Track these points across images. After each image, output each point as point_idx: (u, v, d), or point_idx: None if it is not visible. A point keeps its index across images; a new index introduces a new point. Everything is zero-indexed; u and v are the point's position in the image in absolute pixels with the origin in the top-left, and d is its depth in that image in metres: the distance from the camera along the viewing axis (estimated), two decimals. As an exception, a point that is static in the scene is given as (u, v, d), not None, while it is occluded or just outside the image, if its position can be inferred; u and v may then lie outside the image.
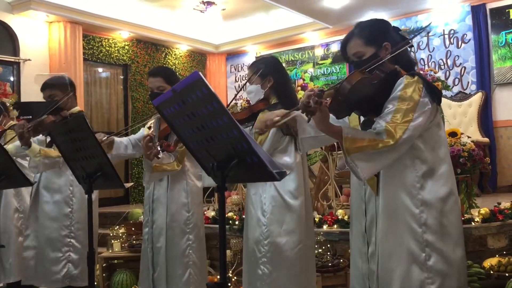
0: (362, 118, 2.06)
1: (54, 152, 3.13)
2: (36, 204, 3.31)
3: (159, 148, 2.64)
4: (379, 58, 1.89)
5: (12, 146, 3.51)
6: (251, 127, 2.69)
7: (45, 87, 3.30)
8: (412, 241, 1.84)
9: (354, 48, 2.00)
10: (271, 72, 2.69)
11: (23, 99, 6.33)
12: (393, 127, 1.76)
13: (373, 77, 1.86)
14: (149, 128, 2.99)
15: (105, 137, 2.84)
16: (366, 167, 1.77)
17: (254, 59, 3.40)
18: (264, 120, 2.16)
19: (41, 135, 3.28)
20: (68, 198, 3.25)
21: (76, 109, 3.38)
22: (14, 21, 6.51)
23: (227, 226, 4.26)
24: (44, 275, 3.22)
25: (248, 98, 2.84)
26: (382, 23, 2.04)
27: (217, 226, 1.48)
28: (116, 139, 3.04)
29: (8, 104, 4.42)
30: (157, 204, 2.93)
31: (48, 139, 3.31)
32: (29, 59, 6.59)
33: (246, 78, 2.77)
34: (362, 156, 1.76)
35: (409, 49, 2.05)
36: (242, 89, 2.83)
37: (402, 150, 1.81)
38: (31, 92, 6.29)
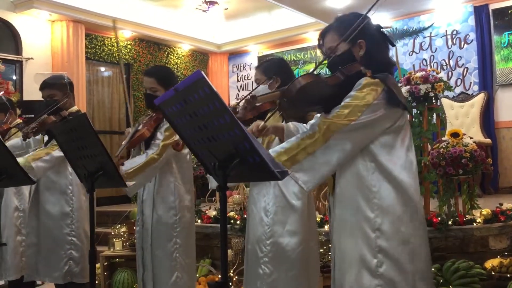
0: None
1: (41, 151, 3.14)
2: (36, 203, 3.33)
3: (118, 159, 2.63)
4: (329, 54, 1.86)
5: (8, 145, 3.52)
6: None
7: (44, 86, 3.30)
8: (365, 246, 1.77)
9: (330, 42, 1.95)
10: (278, 72, 2.70)
11: (25, 97, 6.35)
12: (326, 124, 1.71)
13: (329, 80, 1.81)
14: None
15: None
16: (307, 178, 1.71)
17: (256, 59, 3.40)
18: (250, 129, 2.04)
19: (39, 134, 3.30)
20: (68, 197, 3.27)
21: (74, 108, 3.39)
22: (16, 19, 6.52)
23: (228, 226, 4.26)
24: (46, 271, 3.26)
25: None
26: (361, 19, 1.93)
27: (219, 225, 1.48)
28: None
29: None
30: (145, 205, 2.92)
31: (46, 138, 3.33)
32: (31, 58, 6.60)
33: (253, 79, 2.78)
34: (299, 167, 1.69)
35: (390, 48, 1.98)
36: (243, 88, 2.84)
37: (338, 149, 1.73)
38: (34, 91, 6.26)
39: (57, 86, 3.28)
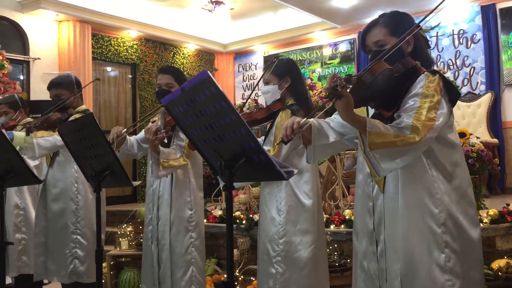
0: (370, 112, 2.02)
1: (46, 132, 3.14)
2: (43, 201, 3.34)
3: (164, 134, 2.64)
4: (396, 43, 1.83)
5: None
6: (269, 128, 2.69)
7: (51, 86, 3.33)
8: (432, 241, 1.80)
9: (377, 36, 1.94)
10: (288, 73, 2.71)
11: (33, 97, 6.38)
12: (420, 124, 1.70)
13: (395, 70, 1.81)
14: (153, 122, 2.97)
15: (124, 130, 2.79)
16: (388, 164, 1.72)
17: (262, 59, 3.40)
18: (289, 125, 1.87)
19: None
20: (73, 195, 3.27)
21: (82, 107, 3.41)
22: (24, 20, 6.55)
23: (234, 225, 4.27)
24: (54, 270, 3.27)
25: (264, 98, 2.83)
26: (407, 16, 1.99)
27: (225, 225, 1.49)
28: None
29: None
30: (162, 201, 2.94)
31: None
32: (38, 58, 6.63)
33: (259, 78, 2.78)
34: (385, 152, 1.70)
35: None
36: (257, 86, 2.83)
37: (422, 149, 1.76)
38: (41, 91, 6.33)
39: (64, 86, 3.32)
